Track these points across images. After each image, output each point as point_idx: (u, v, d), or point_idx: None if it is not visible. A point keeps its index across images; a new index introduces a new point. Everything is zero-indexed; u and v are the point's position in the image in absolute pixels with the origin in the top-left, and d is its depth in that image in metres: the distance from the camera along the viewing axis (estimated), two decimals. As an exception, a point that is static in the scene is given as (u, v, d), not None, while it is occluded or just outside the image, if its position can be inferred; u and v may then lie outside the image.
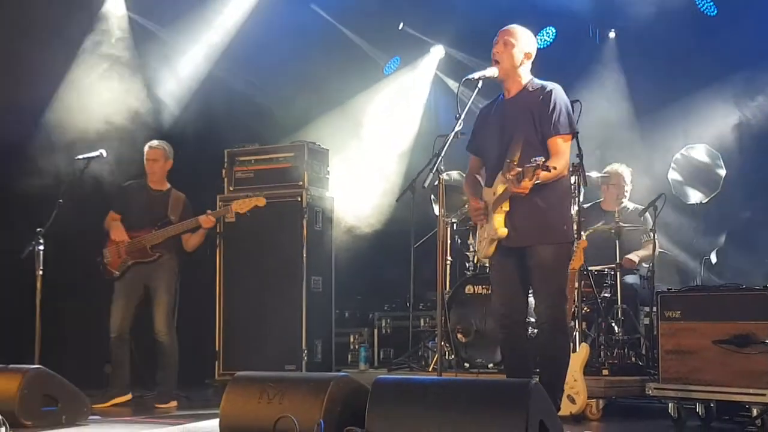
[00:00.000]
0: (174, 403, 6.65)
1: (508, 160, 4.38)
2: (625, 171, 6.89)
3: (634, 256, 6.79)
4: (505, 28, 4.73)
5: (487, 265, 5.68)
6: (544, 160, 4.25)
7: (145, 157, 6.84)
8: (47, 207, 6.34)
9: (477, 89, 4.65)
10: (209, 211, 6.67)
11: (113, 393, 6.58)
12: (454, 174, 7.07)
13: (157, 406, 6.56)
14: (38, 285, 6.10)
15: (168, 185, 6.91)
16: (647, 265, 6.75)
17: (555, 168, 4.35)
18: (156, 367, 6.76)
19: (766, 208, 6.44)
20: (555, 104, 4.60)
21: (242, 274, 7.26)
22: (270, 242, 7.21)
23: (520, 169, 4.27)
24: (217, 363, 7.21)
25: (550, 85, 4.69)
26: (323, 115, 8.72)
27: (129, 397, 6.65)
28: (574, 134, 4.66)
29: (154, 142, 6.90)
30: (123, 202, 6.82)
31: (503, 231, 4.58)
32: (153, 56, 7.75)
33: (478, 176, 4.89)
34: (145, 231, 6.67)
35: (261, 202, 6.63)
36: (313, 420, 4.00)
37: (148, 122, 7.40)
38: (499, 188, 4.58)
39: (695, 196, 7.32)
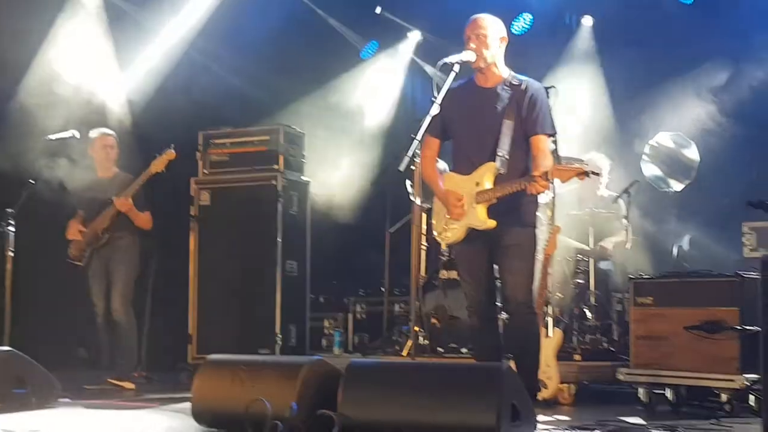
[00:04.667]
0: (131, 385, 6.61)
1: (541, 171, 4.45)
2: (603, 161, 6.91)
3: (607, 243, 6.84)
4: (471, 20, 4.75)
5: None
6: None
7: (97, 145, 6.78)
8: (19, 188, 6.29)
9: (453, 73, 4.68)
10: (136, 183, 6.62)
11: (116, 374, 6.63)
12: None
13: (109, 381, 6.55)
14: (8, 266, 6.07)
15: (115, 170, 6.89)
16: (621, 251, 6.78)
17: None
18: (115, 349, 6.77)
19: (740, 195, 6.47)
20: (542, 104, 4.71)
21: (216, 257, 7.21)
22: (245, 226, 7.17)
23: (546, 170, 4.42)
24: (190, 347, 7.17)
25: (534, 83, 4.78)
26: (299, 98, 8.67)
27: (134, 383, 6.66)
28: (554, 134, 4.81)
29: (107, 130, 6.89)
30: (79, 198, 6.81)
31: (492, 223, 4.62)
32: (126, 37, 7.66)
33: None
34: (96, 217, 6.72)
35: (171, 155, 6.62)
36: (286, 403, 3.99)
37: (121, 104, 7.33)
38: (487, 179, 4.62)
39: (670, 185, 7.36)
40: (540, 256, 5.55)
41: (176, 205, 7.49)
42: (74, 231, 6.82)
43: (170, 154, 6.61)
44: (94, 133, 6.85)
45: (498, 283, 4.81)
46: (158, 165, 6.60)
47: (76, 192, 6.77)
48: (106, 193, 6.75)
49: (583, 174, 4.44)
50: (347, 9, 9.17)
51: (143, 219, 6.76)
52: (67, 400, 5.75)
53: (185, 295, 7.25)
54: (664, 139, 7.40)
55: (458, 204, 4.69)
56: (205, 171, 7.39)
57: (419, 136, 4.51)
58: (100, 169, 6.85)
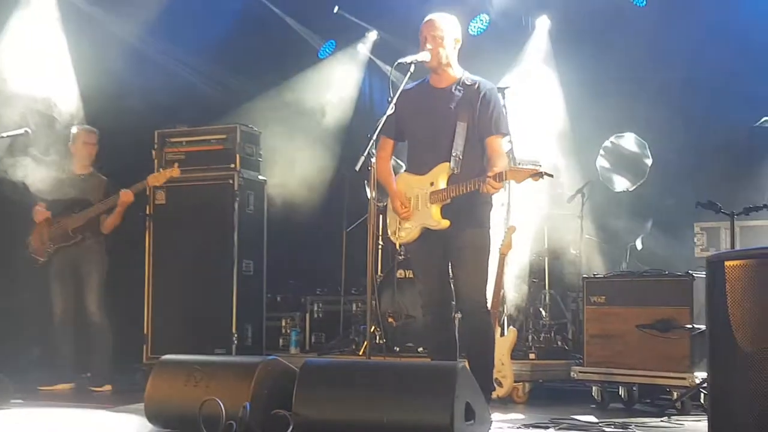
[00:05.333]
0: (109, 387, 6.64)
1: (495, 174, 4.44)
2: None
3: (562, 242, 6.91)
4: (426, 21, 4.76)
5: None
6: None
7: (78, 141, 6.79)
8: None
9: (409, 73, 4.70)
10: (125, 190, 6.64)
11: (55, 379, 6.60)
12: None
13: (91, 389, 6.58)
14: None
15: (92, 169, 6.88)
16: (575, 251, 6.87)
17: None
18: (89, 351, 6.74)
19: (690, 196, 6.58)
20: (496, 104, 4.74)
21: (172, 256, 7.17)
22: (201, 225, 7.14)
23: (500, 171, 4.41)
24: (145, 347, 7.12)
25: (487, 83, 4.80)
26: (257, 97, 8.64)
27: (71, 385, 6.63)
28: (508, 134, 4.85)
29: (88, 127, 6.89)
30: (47, 193, 6.72)
31: (446, 222, 4.64)
32: (81, 34, 7.57)
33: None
34: (67, 215, 6.65)
35: (175, 172, 6.64)
36: (241, 403, 3.98)
37: (75, 102, 7.25)
38: (441, 179, 4.64)
39: (622, 184, 7.46)
40: (496, 256, 5.61)
41: (132, 204, 7.41)
42: (42, 214, 6.68)
43: (174, 171, 6.62)
44: (75, 129, 6.84)
45: (452, 283, 4.84)
46: (158, 178, 6.61)
47: (45, 186, 6.65)
48: (81, 192, 6.71)
49: (538, 175, 4.47)
50: (304, 8, 9.14)
51: (114, 223, 6.72)
52: (19, 401, 5.67)
53: (140, 294, 7.19)
54: (619, 139, 7.49)
55: (403, 208, 4.73)
56: (161, 170, 7.33)
57: (375, 136, 4.53)
58: (78, 166, 6.81)
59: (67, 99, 7.16)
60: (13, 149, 6.51)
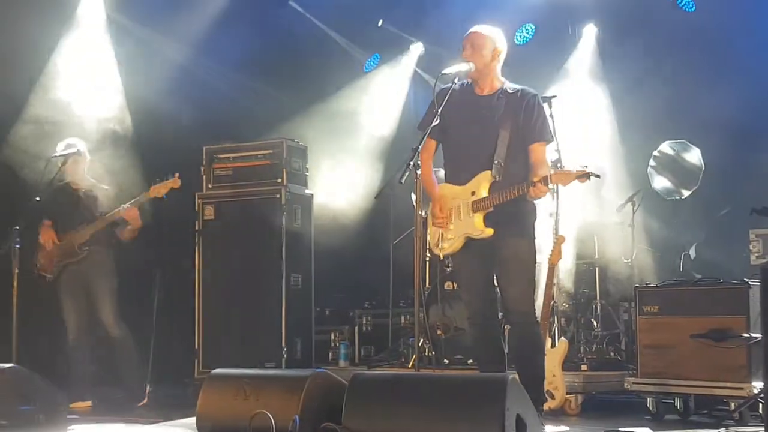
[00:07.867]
0: (144, 400, 6.55)
1: (534, 179, 4.43)
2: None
3: (612, 252, 6.82)
4: (469, 32, 4.76)
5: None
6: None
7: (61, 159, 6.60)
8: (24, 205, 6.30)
9: (453, 84, 4.68)
10: (127, 205, 6.45)
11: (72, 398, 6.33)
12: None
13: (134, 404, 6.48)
14: (14, 283, 6.07)
15: (91, 181, 6.71)
16: (627, 260, 6.77)
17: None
18: (118, 367, 6.65)
19: (745, 203, 6.45)
20: (540, 111, 4.69)
21: (221, 271, 7.23)
22: (249, 239, 7.19)
23: (545, 175, 4.38)
24: (196, 361, 7.18)
25: (530, 90, 4.76)
26: (303, 111, 8.69)
27: (89, 404, 6.44)
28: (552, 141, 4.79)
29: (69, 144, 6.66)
30: (50, 207, 6.59)
31: (490, 231, 4.58)
32: (129, 53, 7.70)
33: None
34: (73, 230, 6.54)
35: (176, 184, 6.47)
36: (290, 416, 3.99)
37: (126, 120, 7.36)
38: (483, 188, 4.59)
39: (674, 191, 7.35)
40: (545, 266, 5.55)
41: (181, 220, 7.50)
42: (48, 238, 6.56)
43: (175, 182, 6.48)
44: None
45: (500, 294, 4.78)
46: (159, 190, 6.45)
47: (47, 201, 6.52)
48: (83, 207, 6.60)
49: (585, 176, 4.39)
50: (349, 22, 9.19)
51: (131, 236, 6.58)
52: (75, 417, 5.75)
53: (191, 309, 7.25)
54: (672, 145, 7.39)
55: (440, 215, 4.68)
56: (209, 186, 7.42)
57: (419, 148, 4.51)
58: (73, 180, 6.65)
59: (117, 118, 7.27)
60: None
